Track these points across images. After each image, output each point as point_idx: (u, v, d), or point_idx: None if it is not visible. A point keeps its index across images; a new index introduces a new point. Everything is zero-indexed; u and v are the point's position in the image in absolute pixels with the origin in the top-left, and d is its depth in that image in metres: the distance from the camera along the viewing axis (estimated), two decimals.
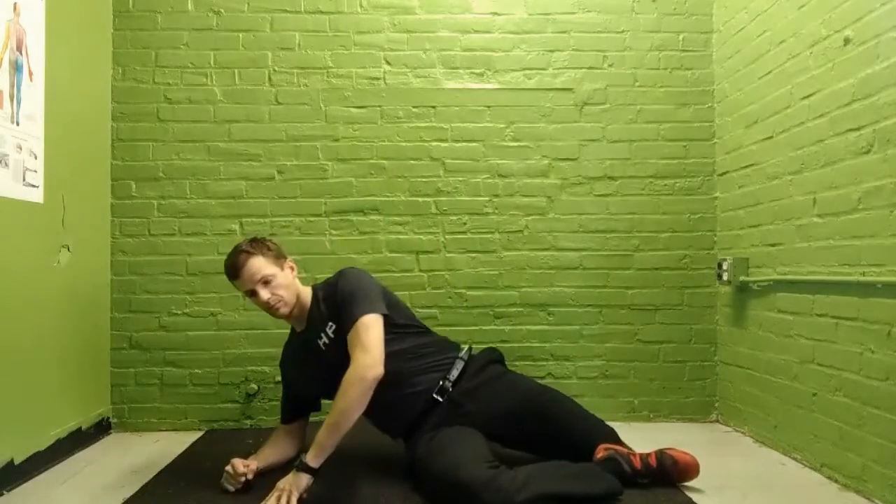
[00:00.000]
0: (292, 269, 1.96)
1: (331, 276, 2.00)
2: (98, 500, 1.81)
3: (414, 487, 1.81)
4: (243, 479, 1.78)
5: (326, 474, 1.98)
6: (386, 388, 1.80)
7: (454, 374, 1.96)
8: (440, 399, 1.91)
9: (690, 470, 1.86)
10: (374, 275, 2.61)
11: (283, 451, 1.99)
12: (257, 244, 1.89)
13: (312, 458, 1.69)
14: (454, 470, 1.64)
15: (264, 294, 1.85)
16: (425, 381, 1.93)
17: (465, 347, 2.08)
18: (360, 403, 1.72)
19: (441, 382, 1.93)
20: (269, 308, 1.87)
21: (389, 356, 1.80)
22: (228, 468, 1.79)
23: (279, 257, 1.92)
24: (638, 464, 1.83)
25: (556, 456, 1.84)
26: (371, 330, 1.78)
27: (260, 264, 1.85)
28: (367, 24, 2.71)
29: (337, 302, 1.87)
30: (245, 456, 1.89)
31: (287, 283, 1.89)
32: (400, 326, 1.94)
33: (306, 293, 1.97)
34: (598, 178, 2.72)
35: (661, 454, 1.87)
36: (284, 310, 1.89)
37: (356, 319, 1.79)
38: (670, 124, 2.74)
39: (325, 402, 2.01)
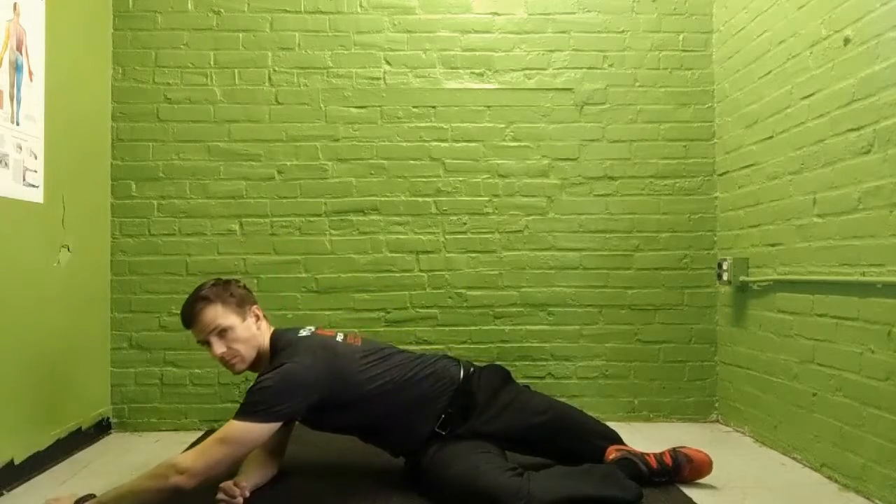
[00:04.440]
0: (257, 317, 1.80)
1: (293, 337, 1.80)
2: None
3: (421, 493, 1.78)
4: (241, 500, 1.67)
5: (326, 475, 1.98)
6: (383, 427, 1.80)
7: (453, 410, 1.82)
8: (443, 433, 1.81)
9: (704, 467, 1.88)
10: (374, 275, 2.66)
11: (268, 468, 1.88)
12: (218, 290, 1.75)
13: None
14: (472, 478, 1.62)
15: (218, 348, 1.71)
16: (425, 422, 1.81)
17: (461, 373, 1.89)
18: (154, 500, 1.53)
19: (442, 415, 1.81)
20: (224, 363, 1.75)
21: (382, 408, 1.76)
22: (221, 495, 1.66)
23: (242, 305, 1.77)
24: (654, 463, 1.85)
25: (564, 460, 1.85)
26: (224, 445, 1.57)
27: (216, 313, 1.70)
28: (367, 24, 2.71)
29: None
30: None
31: (246, 337, 1.74)
32: (388, 385, 1.78)
33: (268, 345, 1.80)
34: (598, 178, 2.72)
35: (675, 452, 1.88)
36: (241, 366, 1.76)
37: (235, 417, 1.62)
38: (670, 124, 2.74)
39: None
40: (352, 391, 1.75)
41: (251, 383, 1.70)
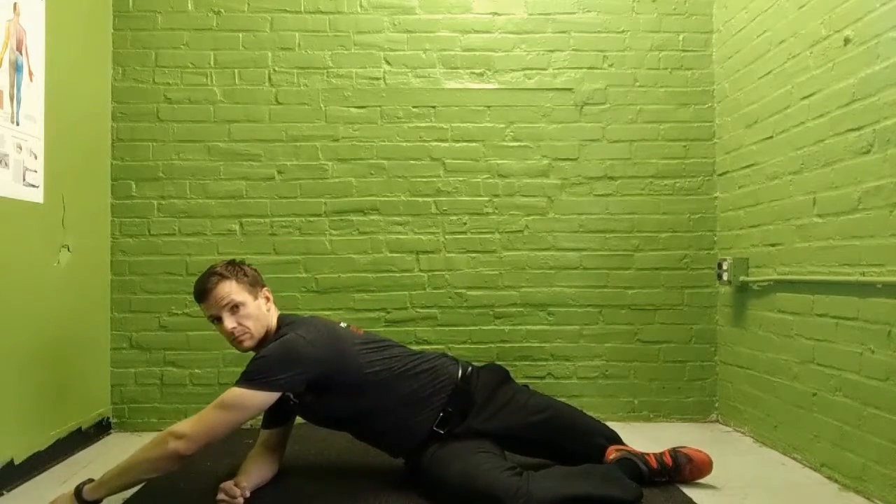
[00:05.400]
0: (267, 298, 1.84)
1: (297, 317, 1.85)
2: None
3: (421, 493, 1.78)
4: (241, 500, 1.68)
5: (326, 474, 1.98)
6: (379, 422, 1.81)
7: (451, 408, 1.82)
8: (441, 432, 1.81)
9: (705, 467, 1.88)
10: (374, 275, 2.66)
11: (268, 468, 1.88)
12: (232, 268, 1.79)
13: (91, 491, 1.57)
14: (472, 477, 1.63)
15: (229, 322, 1.72)
16: (423, 420, 1.81)
17: (460, 373, 1.89)
18: (155, 469, 1.57)
19: (441, 414, 1.81)
20: (233, 339, 1.75)
21: (379, 399, 1.78)
22: (221, 496, 1.68)
23: (254, 284, 1.80)
24: (654, 463, 1.85)
25: (564, 460, 1.86)
26: (222, 410, 1.60)
27: (230, 288, 1.73)
28: (367, 24, 2.71)
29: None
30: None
31: (257, 315, 1.77)
32: (384, 373, 1.80)
33: (276, 327, 1.82)
34: (598, 178, 2.72)
35: (675, 452, 1.89)
36: (249, 343, 1.76)
37: (235, 384, 1.64)
38: (670, 124, 2.74)
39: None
40: (350, 373, 1.76)
41: None
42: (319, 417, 1.87)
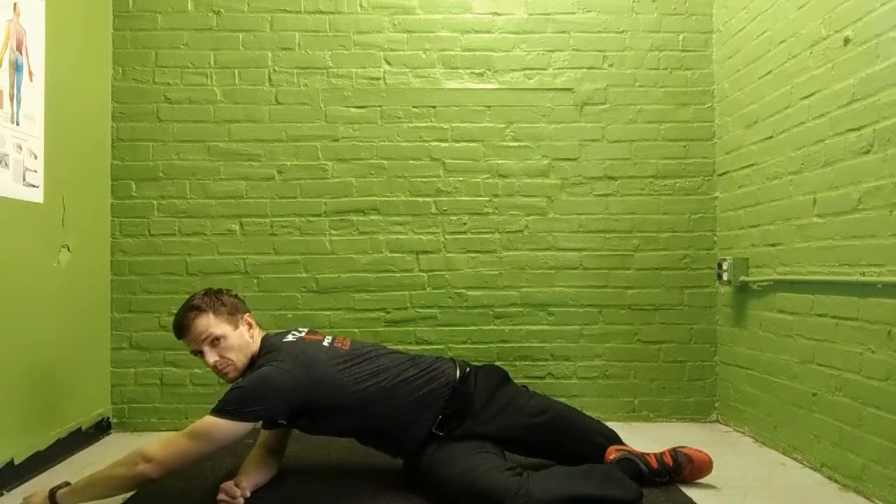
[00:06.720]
0: (250, 325, 1.81)
1: (279, 342, 1.81)
2: (97, 500, 1.80)
3: (420, 494, 1.78)
4: (241, 500, 1.70)
5: (326, 475, 1.98)
6: (378, 429, 1.81)
7: (450, 410, 1.81)
8: (440, 434, 1.81)
9: (705, 467, 1.88)
10: (374, 275, 2.66)
11: (268, 468, 1.89)
12: (209, 299, 1.76)
13: (63, 496, 1.58)
14: (472, 478, 1.63)
15: (211, 357, 1.71)
16: (421, 424, 1.80)
17: (458, 374, 1.87)
18: (122, 487, 1.60)
19: (439, 416, 1.80)
20: (217, 372, 1.75)
21: (375, 411, 1.75)
22: (222, 496, 1.69)
23: (234, 313, 1.78)
24: (654, 463, 1.85)
25: (564, 461, 1.85)
26: (193, 439, 1.59)
27: (209, 322, 1.71)
28: (367, 24, 2.71)
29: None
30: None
31: (239, 345, 1.75)
32: (374, 387, 1.77)
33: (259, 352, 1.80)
34: (598, 178, 2.72)
35: (675, 452, 1.88)
36: (233, 374, 1.75)
37: (210, 412, 1.63)
38: (670, 124, 2.74)
39: None
40: (334, 396, 1.73)
41: None
42: (317, 433, 1.87)
